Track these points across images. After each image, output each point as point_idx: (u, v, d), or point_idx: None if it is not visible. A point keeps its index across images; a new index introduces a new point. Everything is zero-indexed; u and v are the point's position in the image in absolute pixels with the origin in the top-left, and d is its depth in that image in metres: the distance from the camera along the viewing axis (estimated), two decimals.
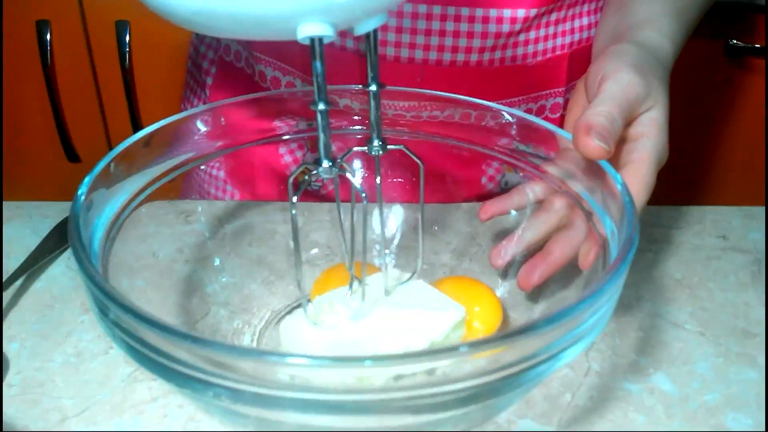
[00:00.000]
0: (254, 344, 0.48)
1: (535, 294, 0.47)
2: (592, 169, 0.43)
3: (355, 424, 0.33)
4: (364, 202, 0.42)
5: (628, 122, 0.45)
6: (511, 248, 0.49)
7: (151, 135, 0.45)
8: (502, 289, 0.50)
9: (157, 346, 0.32)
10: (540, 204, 0.49)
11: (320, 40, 0.34)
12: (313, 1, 0.32)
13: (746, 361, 0.48)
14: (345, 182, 0.44)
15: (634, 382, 0.46)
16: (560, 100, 0.65)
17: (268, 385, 0.31)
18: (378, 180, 0.45)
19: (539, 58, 0.62)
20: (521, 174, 0.50)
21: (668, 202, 0.61)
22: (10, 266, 0.54)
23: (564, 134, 0.46)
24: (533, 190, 0.50)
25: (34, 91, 1.15)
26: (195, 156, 0.48)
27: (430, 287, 0.48)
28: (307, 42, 0.34)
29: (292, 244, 0.40)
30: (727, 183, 1.18)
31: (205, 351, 0.31)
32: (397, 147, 0.44)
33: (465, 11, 0.57)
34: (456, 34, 0.58)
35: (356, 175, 0.52)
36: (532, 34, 0.60)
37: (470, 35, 0.58)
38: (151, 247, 0.47)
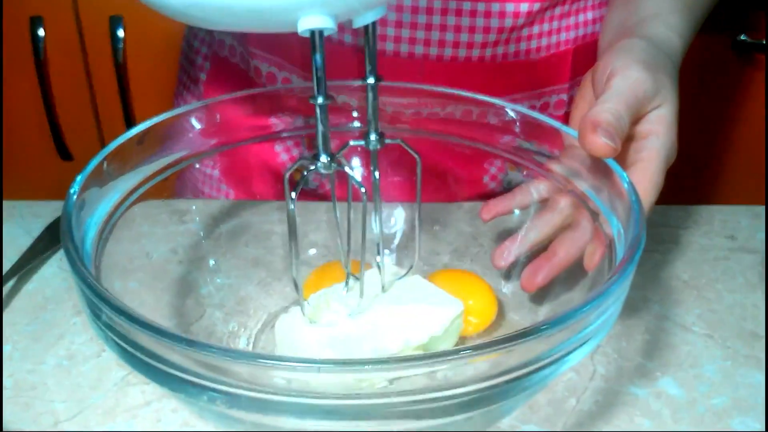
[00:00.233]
0: (250, 347, 0.47)
1: (539, 296, 0.47)
2: (599, 168, 0.42)
3: (354, 429, 0.32)
4: (364, 199, 0.41)
5: (636, 120, 0.45)
6: (514, 249, 0.49)
7: (145, 132, 0.44)
8: (505, 290, 0.50)
9: (150, 349, 0.31)
10: (544, 203, 0.48)
11: (320, 32, 0.33)
12: None
13: (754, 364, 0.47)
14: (343, 180, 0.43)
15: (641, 386, 0.45)
16: (564, 96, 0.64)
17: (264, 389, 0.30)
18: (376, 175, 0.44)
19: (543, 54, 0.61)
20: (524, 172, 0.49)
21: (676, 201, 0.61)
22: (6, 266, 0.53)
23: (569, 131, 0.45)
24: (537, 189, 0.49)
25: (27, 87, 1.14)
26: (189, 154, 0.47)
27: (427, 282, 0.48)
28: (308, 35, 0.33)
29: (289, 242, 0.39)
30: (735, 182, 1.18)
31: (200, 354, 0.30)
32: (394, 141, 0.43)
33: (466, 5, 0.56)
34: (457, 29, 0.57)
35: (355, 171, 0.51)
36: (536, 29, 0.59)
37: (472, 30, 0.57)
38: (144, 247, 0.47)
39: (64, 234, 0.36)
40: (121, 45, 1.10)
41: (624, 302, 0.35)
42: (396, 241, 0.55)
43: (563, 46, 0.62)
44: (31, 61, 1.11)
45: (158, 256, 0.48)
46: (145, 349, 0.31)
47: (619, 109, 0.42)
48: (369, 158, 0.49)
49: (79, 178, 0.39)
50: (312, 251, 0.55)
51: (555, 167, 0.46)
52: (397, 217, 0.55)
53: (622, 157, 0.44)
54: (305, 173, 0.39)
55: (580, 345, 0.33)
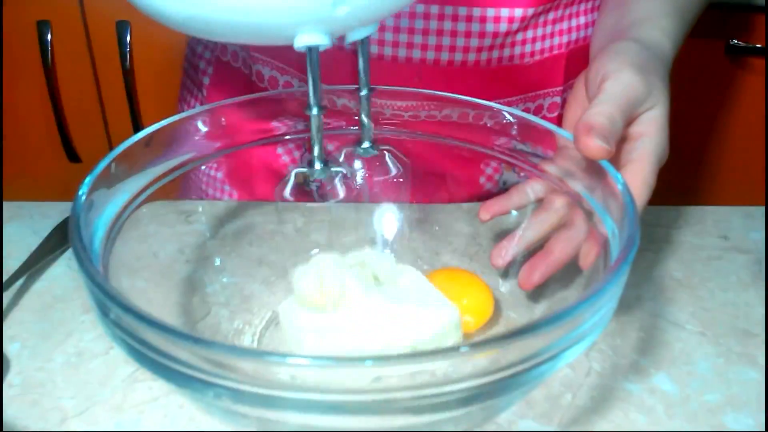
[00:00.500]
0: (255, 344, 0.48)
1: (536, 294, 0.47)
2: (593, 169, 0.43)
3: (356, 424, 0.33)
4: (366, 199, 0.42)
5: (629, 121, 0.45)
6: (511, 248, 0.49)
7: (152, 135, 0.45)
8: (503, 288, 0.50)
9: (157, 347, 0.32)
10: (540, 203, 0.49)
11: (316, 48, 0.35)
12: (310, 13, 0.32)
13: (747, 361, 0.48)
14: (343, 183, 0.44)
15: (635, 383, 0.46)
16: (558, 99, 0.65)
17: (269, 385, 0.31)
18: (363, 178, 0.46)
19: (537, 58, 0.62)
20: (520, 174, 0.50)
21: (669, 202, 0.61)
22: (10, 266, 0.54)
23: (563, 133, 0.46)
24: (533, 189, 0.50)
25: (35, 91, 1.14)
26: (195, 156, 0.48)
27: (427, 282, 0.49)
28: (304, 50, 0.35)
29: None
30: (727, 183, 1.18)
31: (206, 351, 0.31)
32: (384, 148, 0.44)
33: (462, 10, 0.57)
34: (453, 34, 0.58)
35: (352, 173, 0.52)
36: (530, 34, 0.60)
37: (468, 35, 0.58)
38: (151, 247, 0.47)
39: (72, 234, 0.36)
40: (128, 49, 1.10)
41: (618, 300, 0.36)
42: (393, 240, 0.55)
43: (556, 50, 0.62)
44: (40, 65, 1.11)
45: (165, 255, 0.48)
46: (153, 346, 0.32)
47: (612, 112, 0.43)
48: (366, 161, 0.50)
49: (87, 179, 0.40)
50: (315, 251, 0.55)
51: (549, 168, 0.47)
52: (395, 217, 0.56)
53: (615, 158, 0.45)
54: (309, 172, 0.40)
55: (576, 342, 0.34)
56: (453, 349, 0.31)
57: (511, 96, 0.63)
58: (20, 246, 0.57)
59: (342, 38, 0.49)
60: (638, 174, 0.44)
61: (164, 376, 0.33)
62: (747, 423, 0.44)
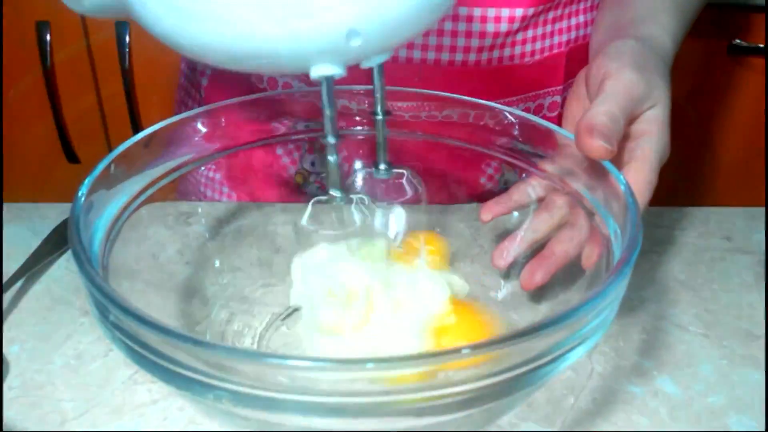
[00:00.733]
0: (255, 346, 0.48)
1: (538, 295, 0.47)
2: (594, 169, 0.43)
3: (357, 426, 0.32)
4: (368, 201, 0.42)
5: (630, 120, 0.45)
6: (512, 249, 0.49)
7: (151, 136, 0.45)
8: (505, 290, 0.50)
9: (157, 349, 0.32)
10: (541, 203, 0.49)
11: (331, 78, 0.35)
12: (326, 46, 0.33)
13: (750, 363, 0.48)
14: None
15: (638, 385, 0.46)
16: (558, 98, 0.65)
17: (270, 387, 0.30)
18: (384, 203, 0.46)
19: (537, 57, 0.62)
20: (521, 174, 0.50)
21: (672, 203, 0.61)
22: (9, 268, 0.54)
23: (564, 133, 0.46)
24: (534, 189, 0.49)
25: (34, 91, 1.14)
26: (194, 157, 0.48)
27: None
28: (319, 79, 0.35)
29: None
30: (731, 184, 1.18)
31: (206, 353, 0.31)
32: (401, 170, 0.45)
33: (463, 11, 0.57)
34: (454, 34, 0.58)
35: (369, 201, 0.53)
36: (530, 33, 0.60)
37: (468, 35, 0.58)
38: (151, 248, 0.47)
39: (72, 235, 0.36)
40: (127, 50, 1.10)
41: (621, 302, 0.36)
42: (394, 241, 0.55)
43: (556, 49, 0.62)
44: (39, 66, 1.11)
45: (165, 257, 0.48)
46: (152, 348, 0.32)
47: (614, 112, 0.43)
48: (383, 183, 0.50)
49: (87, 180, 0.40)
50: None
51: (551, 168, 0.47)
52: (395, 218, 0.56)
53: (616, 157, 0.45)
54: (311, 181, 0.40)
55: (578, 344, 0.34)
56: (454, 351, 0.31)
57: (511, 96, 0.63)
58: (19, 247, 0.56)
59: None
60: (640, 173, 0.44)
61: (164, 378, 0.32)
62: (750, 425, 0.43)
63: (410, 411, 0.32)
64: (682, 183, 0.96)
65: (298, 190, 0.66)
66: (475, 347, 0.31)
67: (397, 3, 0.33)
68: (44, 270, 0.55)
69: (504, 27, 0.58)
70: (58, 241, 0.57)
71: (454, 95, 0.50)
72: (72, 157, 1.20)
